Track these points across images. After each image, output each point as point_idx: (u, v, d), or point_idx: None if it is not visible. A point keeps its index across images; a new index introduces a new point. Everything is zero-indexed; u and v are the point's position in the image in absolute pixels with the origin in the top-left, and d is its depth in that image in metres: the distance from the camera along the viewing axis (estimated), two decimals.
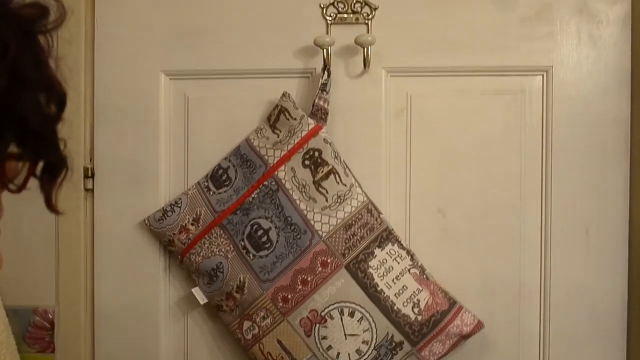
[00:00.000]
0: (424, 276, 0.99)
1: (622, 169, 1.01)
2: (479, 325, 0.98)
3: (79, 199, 1.08)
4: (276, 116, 1.02)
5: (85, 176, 1.08)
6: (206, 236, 1.03)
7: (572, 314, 1.02)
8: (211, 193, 1.04)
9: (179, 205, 1.04)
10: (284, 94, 1.01)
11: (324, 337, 0.98)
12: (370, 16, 1.03)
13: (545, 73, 1.02)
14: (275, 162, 1.01)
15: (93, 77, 1.08)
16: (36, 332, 1.09)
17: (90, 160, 1.09)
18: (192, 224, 1.03)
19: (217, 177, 1.04)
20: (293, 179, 1.00)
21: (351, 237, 0.99)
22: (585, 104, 1.01)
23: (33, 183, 1.04)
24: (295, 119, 1.01)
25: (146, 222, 1.05)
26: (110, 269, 1.08)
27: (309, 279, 0.98)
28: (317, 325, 0.98)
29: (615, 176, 1.01)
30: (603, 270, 1.01)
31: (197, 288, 1.04)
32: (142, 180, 1.07)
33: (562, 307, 1.02)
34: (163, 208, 1.05)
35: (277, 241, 1.00)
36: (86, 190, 1.09)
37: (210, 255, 1.02)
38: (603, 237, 1.01)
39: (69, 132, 1.06)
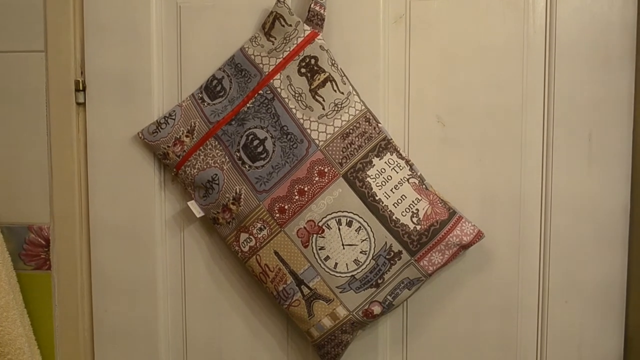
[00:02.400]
0: (423, 186, 0.97)
1: (626, 75, 0.98)
2: (479, 235, 0.97)
3: (71, 113, 1.06)
4: (271, 23, 0.99)
5: (77, 90, 1.06)
6: (201, 148, 1.01)
7: (573, 223, 1.00)
8: (205, 104, 1.01)
9: (173, 117, 1.02)
10: (278, 0, 0.98)
11: (322, 248, 0.97)
12: None
13: None
14: (270, 70, 0.98)
15: None
16: (32, 249, 1.08)
17: (82, 73, 1.06)
18: (187, 136, 1.01)
19: (212, 88, 1.02)
20: (289, 87, 0.97)
21: (349, 146, 0.96)
22: (590, 8, 0.97)
23: (30, 99, 1.02)
24: (290, 25, 0.98)
25: (140, 135, 1.03)
26: (105, 184, 1.07)
27: (305, 189, 0.96)
28: (315, 235, 0.97)
29: (620, 82, 0.98)
30: (605, 177, 0.99)
31: (192, 201, 1.02)
32: (135, 93, 1.05)
33: (563, 216, 1.00)
34: (157, 121, 1.03)
35: (273, 151, 0.98)
36: (78, 104, 1.06)
37: (205, 167, 1.00)
38: (606, 144, 0.99)
39: (59, 45, 1.05)
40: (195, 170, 1.01)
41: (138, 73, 1.05)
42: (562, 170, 1.00)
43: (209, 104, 1.01)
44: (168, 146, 1.02)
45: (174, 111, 1.02)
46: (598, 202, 1.00)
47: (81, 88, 1.06)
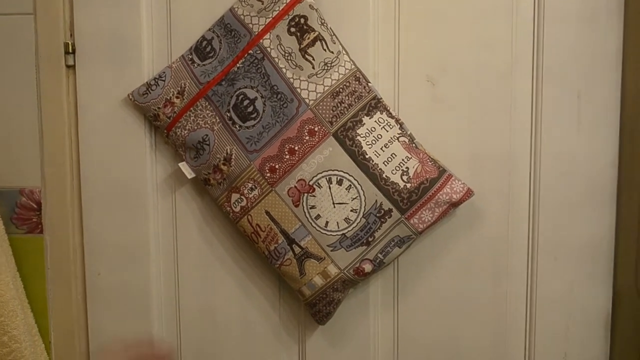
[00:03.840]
0: (413, 144, 0.98)
1: (614, 33, 0.98)
2: (468, 193, 0.97)
3: (61, 76, 1.06)
4: None
5: (66, 52, 1.05)
6: (191, 109, 1.01)
7: (562, 181, 1.01)
8: (195, 65, 1.01)
9: (163, 78, 1.02)
10: None
11: (312, 207, 0.97)
12: None
13: None
14: (260, 30, 0.98)
15: None
16: (23, 212, 1.08)
17: (71, 35, 1.06)
18: (177, 97, 1.01)
19: (201, 49, 1.02)
20: (279, 47, 0.97)
21: (339, 104, 0.97)
22: None
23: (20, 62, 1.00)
24: None
25: (130, 97, 1.03)
26: (95, 147, 1.06)
27: (296, 148, 0.97)
28: (305, 194, 0.97)
29: (608, 41, 0.98)
30: (594, 135, 1.00)
31: (184, 163, 1.02)
32: (124, 55, 1.04)
33: (552, 173, 1.01)
34: (147, 82, 1.02)
35: (264, 111, 0.98)
36: (67, 67, 1.06)
37: (196, 128, 1.01)
38: (594, 102, 0.99)
39: (48, 7, 1.04)
40: (185, 132, 1.01)
41: (128, 35, 1.04)
42: (551, 129, 1.00)
43: (198, 64, 1.01)
44: (158, 107, 1.02)
45: (164, 72, 1.02)
46: (587, 160, 1.01)
47: (71, 50, 1.05)
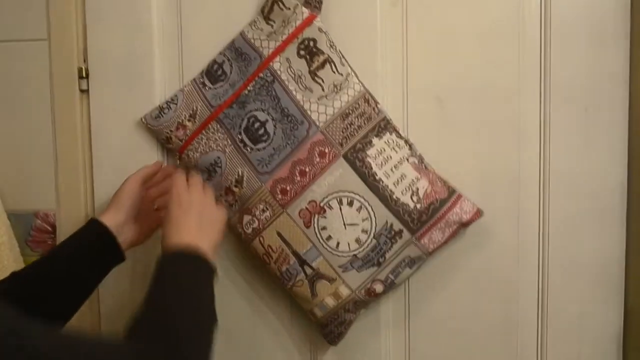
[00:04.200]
0: (423, 165, 0.99)
1: (621, 51, 0.98)
2: (478, 213, 0.98)
3: (75, 100, 1.08)
4: (270, 7, 1.00)
5: (80, 77, 1.08)
6: (203, 131, 1.02)
7: (572, 199, 1.01)
8: (207, 89, 1.03)
9: (175, 102, 1.03)
10: None
11: (324, 228, 0.98)
12: None
13: None
14: (270, 53, 0.99)
15: None
16: (38, 235, 1.10)
17: (84, 60, 1.08)
18: (189, 120, 1.03)
19: (213, 73, 1.03)
20: (288, 69, 0.99)
21: (348, 126, 0.98)
22: None
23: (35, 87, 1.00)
24: (289, 8, 0.99)
25: (143, 120, 1.05)
26: (109, 169, 1.08)
27: (307, 169, 0.98)
28: (317, 215, 0.98)
29: (615, 59, 0.99)
30: (602, 154, 1.00)
31: None
32: (137, 79, 1.06)
33: (561, 192, 1.01)
34: (159, 105, 1.04)
35: (274, 133, 0.99)
36: (81, 91, 1.08)
37: (208, 150, 1.02)
38: (602, 120, 1.00)
39: (62, 33, 1.06)
40: (197, 154, 1.02)
41: (140, 59, 1.06)
42: (559, 147, 1.01)
43: (210, 88, 1.03)
44: (171, 130, 1.03)
45: (176, 96, 1.04)
46: (596, 178, 1.01)
47: (84, 75, 1.07)
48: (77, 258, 0.88)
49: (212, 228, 0.86)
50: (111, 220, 0.91)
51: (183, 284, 0.74)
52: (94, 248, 0.89)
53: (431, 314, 1.05)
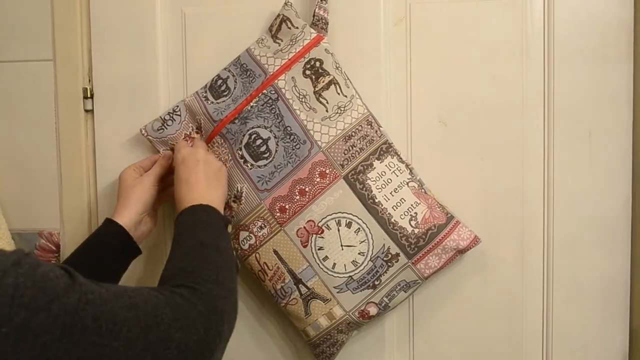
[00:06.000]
0: (422, 190, 0.99)
1: (625, 73, 1.00)
2: (475, 240, 0.98)
3: (79, 120, 1.08)
4: (278, 25, 1.00)
5: (85, 97, 1.08)
6: (208, 145, 1.02)
7: (576, 221, 1.02)
8: (209, 103, 1.02)
9: (178, 113, 1.03)
10: (286, 3, 1.00)
11: (321, 248, 0.98)
12: None
13: None
14: (275, 70, 0.99)
15: None
16: (42, 254, 1.09)
17: (89, 81, 1.08)
18: (197, 133, 1.03)
19: (216, 88, 1.03)
20: (293, 88, 0.99)
21: (350, 148, 0.98)
22: (588, 7, 1.00)
23: (40, 107, 1.00)
24: (297, 27, 0.99)
25: (143, 131, 1.03)
26: (113, 189, 1.06)
27: (307, 189, 0.98)
28: (314, 235, 0.98)
29: (618, 80, 1.00)
30: (607, 175, 1.01)
31: None
32: (141, 100, 1.06)
33: (565, 214, 1.02)
34: (161, 117, 1.03)
35: (276, 151, 0.99)
36: (86, 111, 1.08)
37: None
38: (606, 141, 1.01)
39: (67, 54, 1.06)
40: None
41: (144, 80, 1.06)
42: (563, 169, 1.01)
43: (212, 102, 1.02)
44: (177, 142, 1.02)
45: (178, 107, 1.03)
46: (600, 198, 1.01)
47: (89, 95, 1.08)
48: (97, 260, 0.90)
49: (218, 181, 0.94)
50: (126, 220, 0.93)
51: (202, 232, 0.81)
52: (113, 249, 0.92)
53: (435, 335, 1.06)
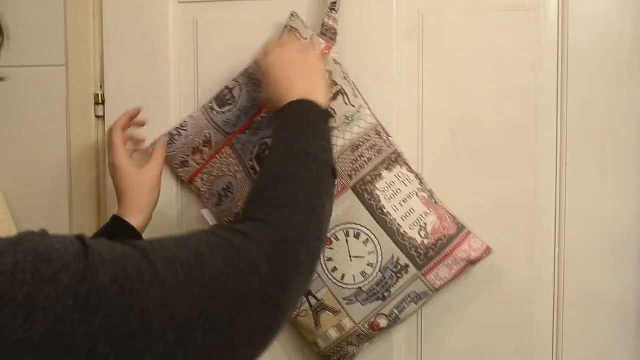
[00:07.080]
0: (432, 200, 0.98)
1: (638, 85, 0.97)
2: (487, 251, 0.96)
3: (90, 125, 1.10)
4: None
5: (96, 103, 1.10)
6: (217, 156, 1.03)
7: (588, 235, 0.99)
8: (215, 113, 1.03)
9: (185, 128, 1.04)
10: (292, 14, 1.00)
11: (329, 259, 0.98)
12: None
13: None
14: None
15: (101, 2, 1.09)
16: None
17: (101, 87, 1.10)
18: (205, 146, 1.04)
19: (222, 97, 1.03)
20: None
21: (358, 158, 0.97)
22: (602, 20, 0.97)
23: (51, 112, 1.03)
24: (305, 38, 0.99)
25: (151, 149, 1.04)
26: None
27: None
28: None
29: (632, 93, 0.97)
30: (619, 188, 0.98)
31: (206, 210, 1.04)
32: (152, 106, 1.07)
33: (577, 227, 0.99)
34: (169, 133, 1.04)
35: None
36: (97, 117, 1.10)
37: (221, 175, 1.02)
38: (619, 154, 0.98)
39: (79, 60, 1.08)
40: (212, 178, 1.03)
41: (156, 87, 1.08)
42: (575, 182, 0.99)
43: (218, 112, 1.03)
44: (187, 155, 1.04)
45: (185, 122, 1.04)
46: (612, 213, 0.98)
47: (100, 101, 1.10)
48: None
49: (316, 75, 0.89)
50: (142, 224, 0.93)
51: (295, 135, 0.77)
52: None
53: (444, 348, 1.04)
